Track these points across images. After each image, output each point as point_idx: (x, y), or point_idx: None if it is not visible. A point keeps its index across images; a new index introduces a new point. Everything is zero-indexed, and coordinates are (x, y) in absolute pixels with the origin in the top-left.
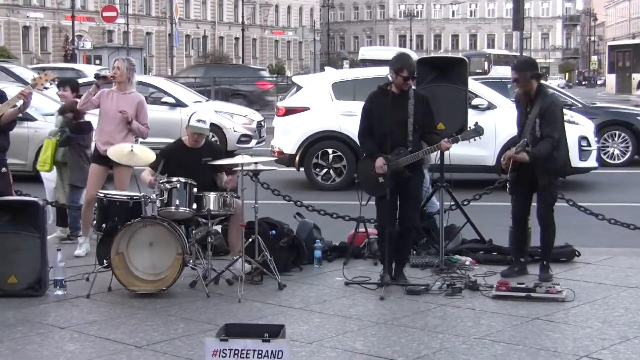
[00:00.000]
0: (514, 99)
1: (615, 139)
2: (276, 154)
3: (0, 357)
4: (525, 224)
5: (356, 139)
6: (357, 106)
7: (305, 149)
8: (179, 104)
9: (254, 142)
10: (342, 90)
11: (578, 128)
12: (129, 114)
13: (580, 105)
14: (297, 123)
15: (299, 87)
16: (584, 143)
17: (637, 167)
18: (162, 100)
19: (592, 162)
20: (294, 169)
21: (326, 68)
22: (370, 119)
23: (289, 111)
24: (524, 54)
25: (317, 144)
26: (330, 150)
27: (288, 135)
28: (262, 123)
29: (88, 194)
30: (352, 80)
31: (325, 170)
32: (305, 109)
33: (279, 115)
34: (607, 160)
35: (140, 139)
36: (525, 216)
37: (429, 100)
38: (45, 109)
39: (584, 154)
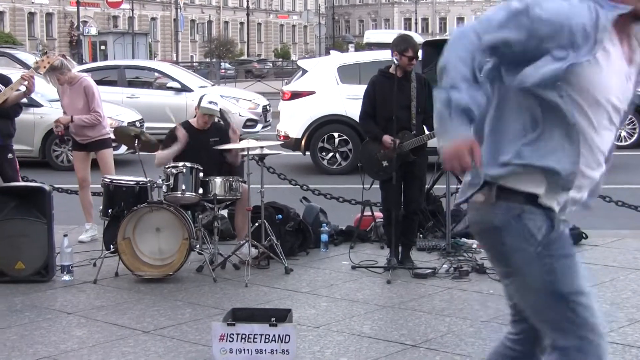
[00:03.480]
0: None
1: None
2: (282, 138)
3: (8, 342)
4: None
5: None
6: (363, 90)
7: (311, 133)
8: (184, 89)
9: (259, 126)
10: (347, 73)
11: None
12: (61, 128)
13: None
14: (303, 107)
15: (305, 71)
16: None
17: None
18: (168, 85)
19: None
20: (300, 153)
21: (331, 52)
22: (374, 103)
23: (295, 95)
24: None
25: (322, 128)
26: (336, 134)
27: (294, 119)
28: (268, 107)
29: (78, 178)
30: (358, 63)
31: (331, 154)
32: (311, 92)
33: (285, 99)
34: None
35: (145, 124)
36: None
37: (431, 84)
38: (51, 94)
39: None
